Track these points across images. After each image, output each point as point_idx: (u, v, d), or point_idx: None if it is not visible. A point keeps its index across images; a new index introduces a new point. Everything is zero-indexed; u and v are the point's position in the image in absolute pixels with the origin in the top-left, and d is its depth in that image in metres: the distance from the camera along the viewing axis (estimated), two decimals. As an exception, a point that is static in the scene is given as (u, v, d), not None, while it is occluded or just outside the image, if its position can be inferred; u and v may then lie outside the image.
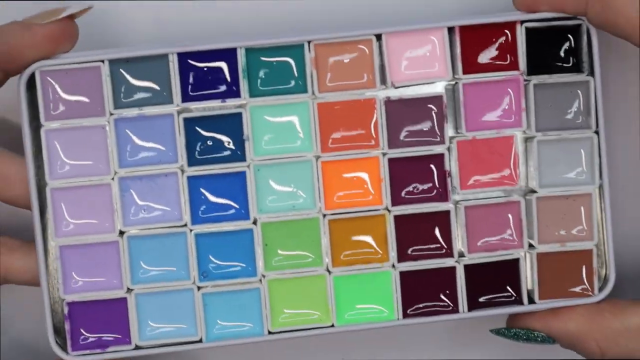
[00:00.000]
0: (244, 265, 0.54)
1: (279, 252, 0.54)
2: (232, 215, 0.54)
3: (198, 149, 0.54)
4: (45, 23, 0.52)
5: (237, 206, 0.54)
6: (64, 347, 0.54)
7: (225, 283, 0.54)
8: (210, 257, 0.54)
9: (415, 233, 0.55)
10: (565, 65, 0.55)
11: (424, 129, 0.55)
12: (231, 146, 0.54)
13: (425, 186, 0.55)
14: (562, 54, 0.55)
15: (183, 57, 0.53)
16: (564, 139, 0.55)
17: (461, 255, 0.55)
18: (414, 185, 0.55)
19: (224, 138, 0.54)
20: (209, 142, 0.54)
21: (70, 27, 0.53)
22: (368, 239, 0.55)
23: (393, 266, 0.55)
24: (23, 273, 0.54)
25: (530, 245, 0.55)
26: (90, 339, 0.54)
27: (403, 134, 0.54)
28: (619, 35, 0.52)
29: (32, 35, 0.52)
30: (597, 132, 0.55)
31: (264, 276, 0.54)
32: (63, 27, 0.52)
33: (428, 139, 0.54)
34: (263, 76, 0.54)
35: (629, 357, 0.54)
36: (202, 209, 0.54)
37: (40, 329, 0.56)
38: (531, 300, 0.55)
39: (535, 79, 0.54)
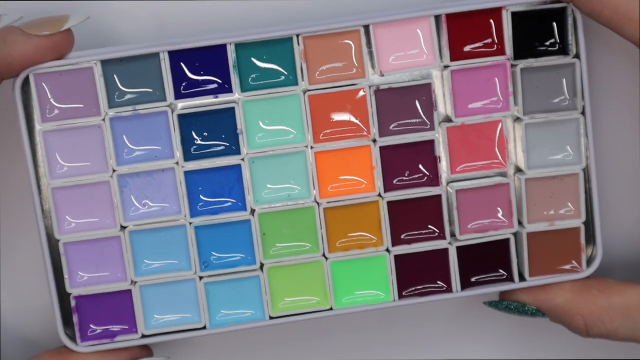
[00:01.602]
0: (243, 255, 0.56)
1: (277, 244, 0.56)
2: (229, 207, 0.56)
3: (193, 144, 0.55)
4: (46, 35, 0.53)
5: (233, 200, 0.55)
6: (72, 339, 0.56)
7: (226, 272, 0.56)
8: (212, 252, 0.56)
9: (408, 218, 0.56)
10: (551, 48, 0.55)
11: (414, 117, 0.56)
12: (225, 141, 0.55)
13: (416, 172, 0.56)
14: (548, 37, 0.55)
15: (174, 55, 0.54)
16: (551, 121, 0.56)
17: (453, 236, 0.57)
18: (405, 171, 0.56)
19: (219, 133, 0.55)
20: (205, 134, 0.55)
21: (70, 36, 0.54)
22: (362, 225, 0.56)
23: (387, 250, 0.56)
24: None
25: (520, 224, 0.57)
26: (98, 330, 0.56)
27: (393, 122, 0.55)
28: (604, 24, 0.53)
29: (35, 47, 0.53)
30: (583, 113, 0.56)
31: (263, 264, 0.56)
32: (64, 37, 0.54)
33: (418, 126, 0.56)
34: (254, 75, 0.55)
35: (611, 336, 0.55)
36: (200, 204, 0.55)
37: (41, 323, 0.58)
38: (522, 278, 0.57)
39: (522, 63, 0.55)
